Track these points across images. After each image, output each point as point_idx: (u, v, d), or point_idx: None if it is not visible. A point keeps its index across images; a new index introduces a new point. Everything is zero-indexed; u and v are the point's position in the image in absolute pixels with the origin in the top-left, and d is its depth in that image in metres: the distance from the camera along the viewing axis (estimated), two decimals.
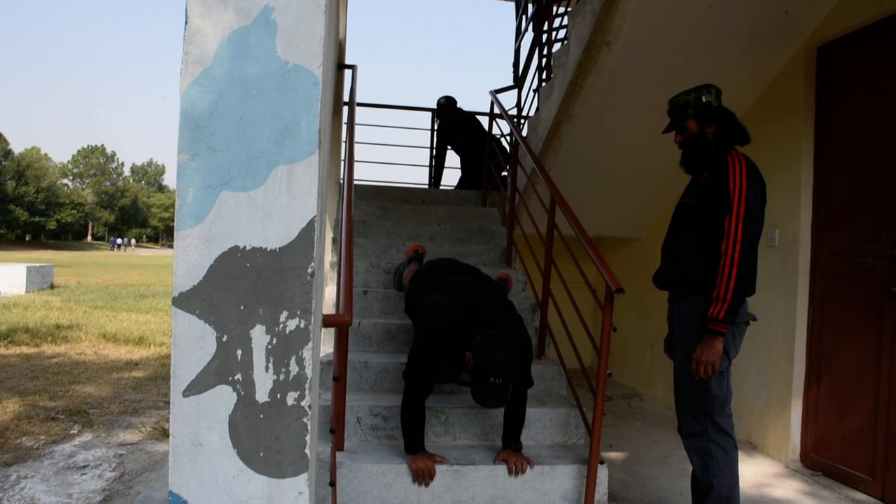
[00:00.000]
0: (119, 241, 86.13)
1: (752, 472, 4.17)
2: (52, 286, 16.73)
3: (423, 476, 3.16)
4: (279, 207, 1.74)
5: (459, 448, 3.50)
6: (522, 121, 7.07)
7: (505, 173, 6.64)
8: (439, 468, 3.20)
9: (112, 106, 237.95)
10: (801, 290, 4.29)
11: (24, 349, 7.98)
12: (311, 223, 1.75)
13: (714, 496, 2.89)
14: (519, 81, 7.28)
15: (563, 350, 4.09)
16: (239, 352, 1.73)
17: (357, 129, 6.23)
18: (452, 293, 3.53)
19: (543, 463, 3.34)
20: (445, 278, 3.75)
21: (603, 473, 3.26)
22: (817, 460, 4.15)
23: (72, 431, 4.75)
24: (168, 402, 1.69)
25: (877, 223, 3.81)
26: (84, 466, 4.08)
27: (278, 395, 1.75)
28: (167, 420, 5.01)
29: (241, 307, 1.73)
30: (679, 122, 3.02)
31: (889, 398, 3.64)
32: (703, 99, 2.98)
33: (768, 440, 4.52)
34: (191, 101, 1.71)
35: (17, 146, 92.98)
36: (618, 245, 7.16)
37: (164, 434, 4.71)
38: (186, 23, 1.72)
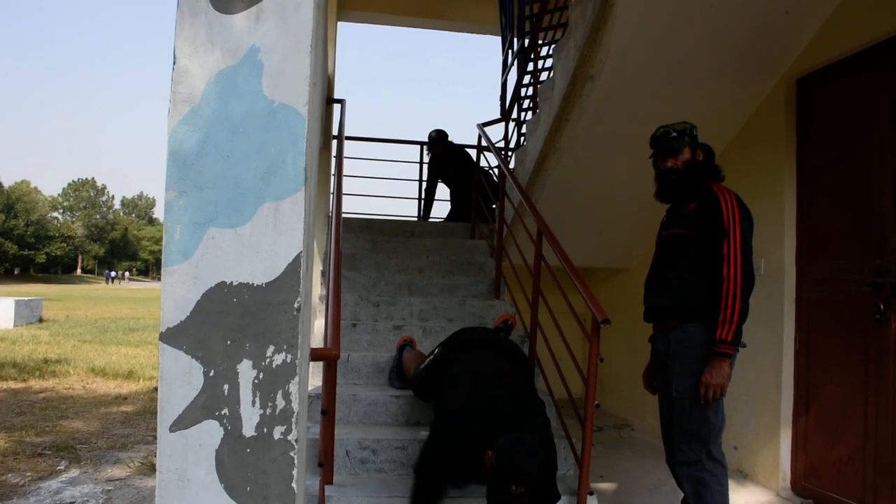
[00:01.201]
0: (113, 273, 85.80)
1: (744, 500, 4.17)
2: (40, 320, 16.63)
3: None
4: (266, 243, 1.77)
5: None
6: (510, 153, 7.14)
7: (495, 206, 6.70)
8: None
9: (103, 139, 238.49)
10: (787, 319, 4.33)
11: (12, 384, 7.92)
12: (297, 259, 1.78)
13: None
14: (506, 114, 7.37)
15: (552, 381, 4.10)
16: (226, 386, 1.75)
17: (346, 162, 6.29)
18: (479, 381, 3.22)
19: None
20: (475, 360, 3.42)
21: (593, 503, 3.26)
22: (808, 488, 4.15)
23: (59, 467, 4.71)
24: (157, 437, 1.68)
25: (860, 251, 3.85)
26: (71, 503, 4.05)
27: (265, 430, 1.76)
28: (156, 454, 4.98)
29: (228, 342, 1.75)
30: (678, 146, 3.11)
31: (876, 425, 3.66)
32: (694, 132, 3.15)
33: (758, 468, 4.52)
34: (178, 139, 1.75)
35: (7, 179, 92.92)
36: (608, 276, 7.19)
37: (153, 469, 4.67)
38: (175, 63, 1.76)
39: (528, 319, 4.39)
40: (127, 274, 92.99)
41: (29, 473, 4.55)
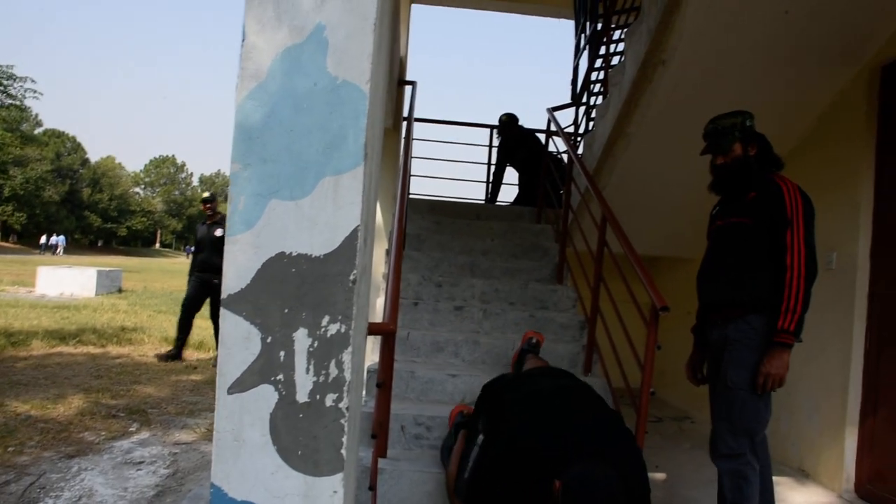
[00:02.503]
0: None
1: (804, 500, 4.08)
2: (120, 290, 17.32)
3: None
4: (325, 216, 1.82)
5: None
6: (579, 138, 7.09)
7: (562, 191, 6.67)
8: None
9: (184, 118, 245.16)
10: (857, 315, 4.20)
11: (91, 349, 8.31)
12: (354, 232, 1.82)
13: None
14: (576, 99, 7.31)
15: (610, 367, 4.09)
16: (282, 353, 1.81)
17: (416, 143, 6.34)
18: (543, 398, 2.75)
19: None
20: (534, 382, 3.02)
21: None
22: (872, 492, 4.04)
23: (130, 429, 4.93)
24: (215, 398, 1.75)
25: None
26: (140, 462, 4.24)
27: (317, 397, 1.82)
28: None
29: (286, 310, 1.81)
30: (727, 144, 3.05)
31: None
32: (747, 123, 3.05)
33: (821, 468, 4.42)
34: (245, 113, 1.81)
35: (94, 155, 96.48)
36: (672, 265, 7.09)
37: None
38: (243, 40, 1.81)
39: (589, 305, 4.38)
40: None
41: (103, 433, 4.77)
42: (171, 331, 10.06)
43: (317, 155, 1.82)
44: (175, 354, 7.90)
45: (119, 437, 4.71)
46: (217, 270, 7.28)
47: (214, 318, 7.93)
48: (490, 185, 7.92)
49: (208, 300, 8.05)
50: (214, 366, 7.11)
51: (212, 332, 8.84)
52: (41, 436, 4.60)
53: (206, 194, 8.22)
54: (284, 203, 1.81)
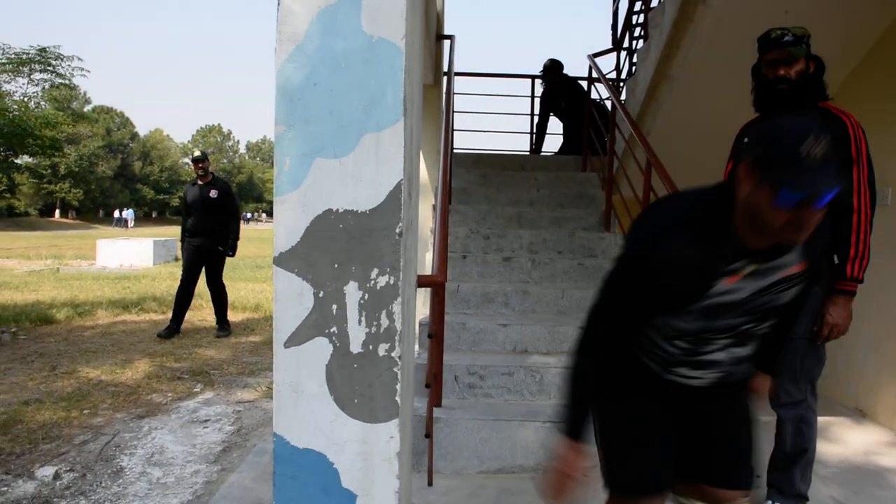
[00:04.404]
0: (249, 215, 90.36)
1: (861, 439, 4.06)
2: (176, 259, 17.76)
3: (558, 485, 1.91)
4: (368, 172, 1.87)
5: (554, 407, 3.59)
6: (622, 84, 6.99)
7: (607, 138, 6.61)
8: (532, 424, 3.28)
9: (228, 85, 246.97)
10: None
11: (153, 316, 8.60)
12: (398, 186, 1.87)
13: (805, 460, 2.86)
14: (617, 44, 7.19)
15: None
16: (334, 306, 1.88)
17: (458, 98, 6.33)
18: None
19: None
20: None
21: None
22: None
23: (195, 390, 5.12)
24: (273, 352, 1.82)
25: None
26: (206, 421, 4.42)
27: (370, 347, 1.89)
28: None
29: (335, 265, 1.87)
30: (798, 52, 2.74)
31: None
32: (810, 40, 2.79)
33: (879, 407, 4.38)
34: (286, 76, 1.85)
35: (142, 129, 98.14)
36: None
37: None
38: (279, 4, 1.85)
39: None
40: (264, 215, 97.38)
41: (170, 394, 4.98)
42: (228, 295, 10.34)
43: (357, 113, 1.86)
44: (175, 329, 7.30)
45: (185, 398, 4.91)
46: (213, 234, 7.27)
47: (212, 285, 7.55)
48: (534, 135, 7.85)
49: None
50: (218, 336, 7.22)
51: (267, 295, 8.95)
52: (112, 398, 4.82)
53: (197, 153, 7.75)
54: (328, 161, 1.86)
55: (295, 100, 1.86)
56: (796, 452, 2.86)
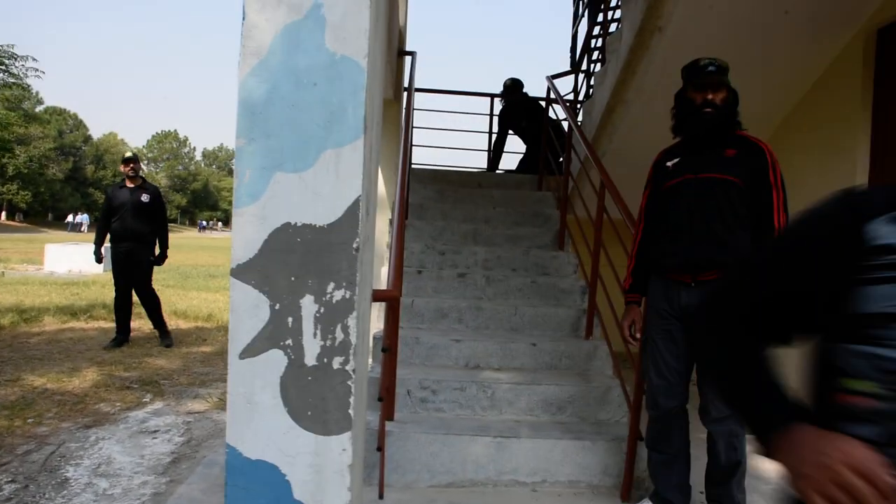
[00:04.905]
0: (204, 223, 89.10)
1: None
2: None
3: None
4: (327, 187, 1.90)
5: (505, 422, 3.64)
6: (578, 106, 7.12)
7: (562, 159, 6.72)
8: (483, 439, 3.32)
9: (184, 93, 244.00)
10: None
11: (102, 323, 8.45)
12: (356, 202, 1.90)
13: (740, 472, 2.95)
14: (575, 67, 7.33)
15: (611, 331, 4.17)
16: (290, 319, 1.90)
17: (417, 114, 6.38)
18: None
19: (586, 438, 3.45)
20: None
21: (643, 450, 3.35)
22: None
23: (144, 399, 5.06)
24: (227, 364, 1.82)
25: None
26: (155, 431, 4.37)
27: (325, 360, 1.91)
28: None
29: (292, 278, 1.89)
30: (724, 80, 2.93)
31: None
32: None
33: None
34: (248, 90, 1.88)
35: (96, 132, 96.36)
36: None
37: None
38: (244, 18, 1.88)
39: (590, 271, 4.46)
40: (220, 224, 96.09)
41: (118, 404, 4.90)
42: (180, 304, 10.22)
43: (318, 129, 1.89)
44: (122, 339, 7.10)
45: (134, 408, 4.84)
46: (142, 239, 6.97)
47: (141, 293, 7.19)
48: (491, 152, 7.92)
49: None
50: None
51: (220, 305, 8.82)
52: (58, 407, 4.73)
53: (128, 154, 7.35)
54: (288, 176, 1.89)
55: (256, 113, 1.88)
56: (731, 465, 2.94)
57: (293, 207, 1.89)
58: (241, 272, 1.89)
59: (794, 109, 4.93)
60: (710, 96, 2.90)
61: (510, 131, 7.74)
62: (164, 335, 7.28)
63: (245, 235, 1.89)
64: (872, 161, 4.24)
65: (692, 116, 2.96)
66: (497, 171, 7.80)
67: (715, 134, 2.93)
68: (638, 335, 3.24)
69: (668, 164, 3.13)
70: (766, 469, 3.93)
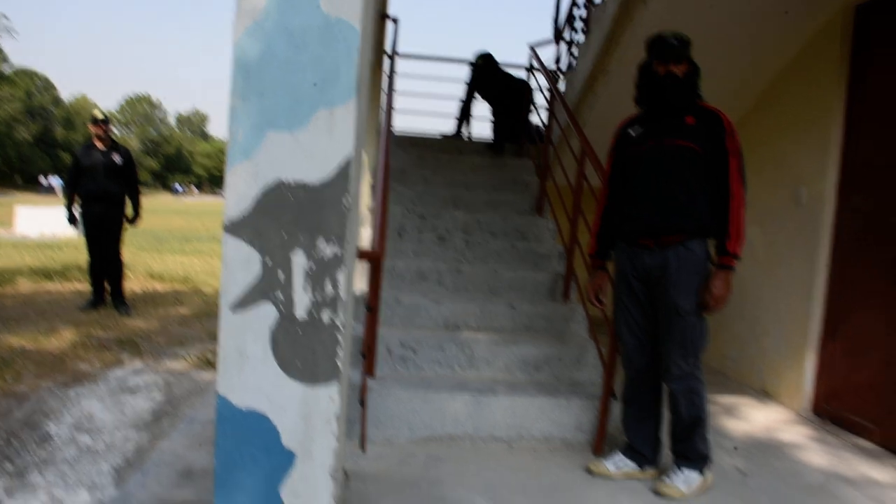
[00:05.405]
0: (180, 188, 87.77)
1: (765, 417, 4.34)
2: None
3: None
4: (320, 147, 1.95)
5: (483, 380, 3.74)
6: (561, 75, 7.16)
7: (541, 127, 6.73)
8: (461, 396, 3.42)
9: (156, 56, 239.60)
10: (822, 247, 4.39)
11: (77, 285, 8.41)
12: (347, 161, 1.96)
13: (702, 426, 3.07)
14: (558, 36, 7.34)
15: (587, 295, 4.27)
16: (281, 274, 1.96)
17: (399, 79, 6.39)
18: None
19: (561, 396, 3.57)
20: None
21: (615, 408, 3.46)
22: (828, 410, 4.30)
23: (123, 359, 5.09)
24: (212, 337, 1.90)
25: None
26: (135, 389, 4.41)
27: (315, 313, 1.98)
28: (211, 351, 5.35)
29: (284, 234, 1.95)
30: (685, 53, 3.05)
31: None
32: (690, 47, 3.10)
33: (782, 389, 4.68)
34: (243, 49, 1.92)
35: (66, 94, 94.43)
36: None
37: (208, 363, 5.03)
38: None
39: (568, 236, 4.55)
40: (195, 189, 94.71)
41: (97, 363, 4.93)
42: (155, 266, 10.20)
43: (311, 89, 1.94)
44: (97, 300, 7.00)
45: (113, 367, 4.87)
46: (114, 201, 6.85)
47: (111, 257, 7.01)
48: (458, 118, 7.55)
49: None
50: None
51: (196, 268, 8.76)
52: (37, 367, 4.74)
53: (98, 114, 7.13)
54: (281, 134, 1.94)
55: (250, 73, 1.93)
56: (693, 421, 3.06)
57: (286, 165, 1.95)
58: (234, 228, 1.95)
59: (771, 85, 5.02)
60: (671, 68, 3.05)
61: (480, 96, 7.40)
62: (122, 304, 7.04)
63: (238, 192, 1.94)
64: (846, 135, 4.35)
65: (654, 87, 3.10)
66: (472, 139, 7.49)
67: (675, 104, 3.07)
68: (602, 299, 3.40)
69: (631, 132, 3.26)
70: (730, 427, 4.09)
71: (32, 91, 72.90)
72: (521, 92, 6.97)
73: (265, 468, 2.03)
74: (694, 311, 2.99)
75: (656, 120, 3.14)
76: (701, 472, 3.09)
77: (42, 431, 3.63)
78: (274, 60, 1.92)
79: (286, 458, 2.04)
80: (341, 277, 1.98)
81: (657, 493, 3.04)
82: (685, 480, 3.05)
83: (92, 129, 7.01)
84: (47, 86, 76.89)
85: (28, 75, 73.47)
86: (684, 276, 3.00)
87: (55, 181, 56.04)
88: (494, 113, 7.18)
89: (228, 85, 1.94)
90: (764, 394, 4.86)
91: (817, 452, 3.76)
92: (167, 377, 4.72)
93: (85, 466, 3.23)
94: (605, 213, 3.38)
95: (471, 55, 8.02)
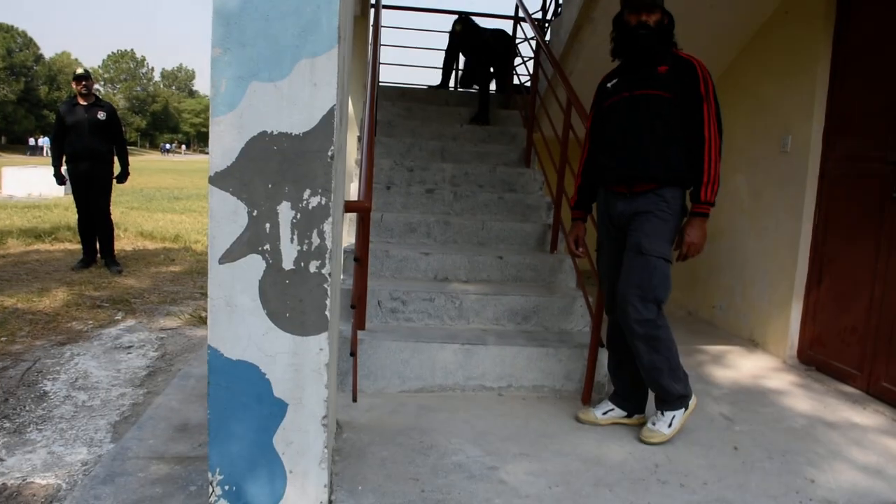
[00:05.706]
0: (168, 146, 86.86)
1: (751, 365, 4.41)
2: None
3: None
4: (303, 97, 1.94)
5: (472, 331, 3.78)
6: (547, 25, 7.10)
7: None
8: (451, 346, 3.46)
9: (140, 10, 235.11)
10: (808, 194, 4.42)
11: (68, 245, 8.41)
12: (331, 111, 1.95)
13: (669, 367, 3.03)
14: None
15: None
16: (267, 225, 1.97)
17: (384, 31, 6.31)
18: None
19: (549, 346, 3.61)
20: None
21: (603, 356, 3.51)
22: (812, 357, 4.37)
23: (116, 318, 5.12)
24: (204, 294, 1.90)
25: (886, 130, 3.88)
26: (129, 347, 4.44)
27: (302, 264, 1.99)
28: (203, 308, 5.38)
29: (269, 185, 1.95)
30: (659, 3, 3.05)
31: (882, 298, 3.81)
32: None
33: (769, 338, 4.74)
34: None
35: (47, 51, 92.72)
36: None
37: (201, 321, 5.06)
38: None
39: (555, 187, 4.56)
40: (183, 147, 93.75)
41: (91, 322, 4.96)
42: (146, 225, 10.17)
43: (293, 38, 1.93)
44: (89, 260, 7.03)
45: (106, 325, 4.90)
46: (101, 158, 6.81)
47: (99, 216, 6.97)
48: (443, 69, 7.52)
49: None
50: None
51: (186, 226, 8.70)
52: (31, 326, 4.76)
53: (80, 70, 7.04)
54: (264, 85, 1.93)
55: (231, 23, 1.91)
56: (657, 365, 3.03)
57: (269, 116, 1.94)
58: (220, 179, 1.95)
59: (756, 32, 4.99)
60: (643, 17, 3.03)
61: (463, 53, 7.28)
62: (113, 263, 7.02)
63: (223, 144, 1.94)
64: (831, 82, 4.34)
65: (626, 38, 3.11)
66: (449, 88, 7.45)
67: (649, 53, 3.07)
68: (581, 248, 3.45)
69: (608, 84, 3.27)
70: (717, 376, 4.15)
71: (12, 48, 71.59)
72: (504, 46, 6.88)
73: (258, 418, 2.06)
74: (657, 253, 2.97)
75: (633, 71, 3.14)
76: (683, 408, 3.12)
77: (39, 389, 3.66)
78: (254, 10, 1.90)
79: (278, 408, 2.07)
80: (327, 228, 1.99)
81: (642, 440, 3.08)
82: (667, 423, 3.08)
83: (74, 85, 6.94)
84: (27, 42, 75.46)
85: (6, 31, 72.02)
86: (651, 221, 3.01)
87: (44, 142, 55.47)
88: (478, 64, 7.06)
89: (209, 36, 1.92)
90: (751, 343, 4.92)
91: (801, 398, 3.84)
92: (161, 334, 4.75)
93: (82, 423, 3.27)
94: (587, 166, 3.41)
95: (457, 5, 7.86)
